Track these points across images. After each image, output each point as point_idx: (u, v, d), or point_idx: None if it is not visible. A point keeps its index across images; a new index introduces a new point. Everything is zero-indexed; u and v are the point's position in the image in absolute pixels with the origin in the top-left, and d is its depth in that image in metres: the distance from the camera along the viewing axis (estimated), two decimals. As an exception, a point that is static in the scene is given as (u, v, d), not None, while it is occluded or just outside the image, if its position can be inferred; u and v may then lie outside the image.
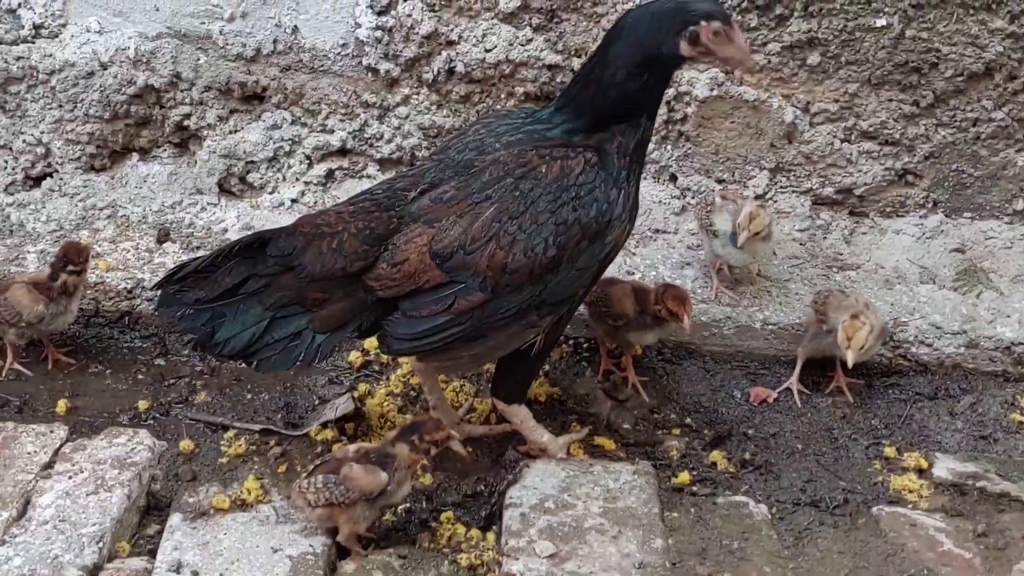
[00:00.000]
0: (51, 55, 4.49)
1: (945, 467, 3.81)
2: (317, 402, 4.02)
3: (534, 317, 3.36)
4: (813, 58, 4.37)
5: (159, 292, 3.43)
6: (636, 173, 3.39)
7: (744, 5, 4.27)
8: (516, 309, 3.30)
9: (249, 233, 3.69)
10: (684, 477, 3.71)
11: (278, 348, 3.34)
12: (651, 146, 4.52)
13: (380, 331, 3.40)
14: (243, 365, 3.50)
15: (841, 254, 4.60)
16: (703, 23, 3.12)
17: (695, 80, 4.44)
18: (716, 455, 3.83)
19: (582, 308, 3.92)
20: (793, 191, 4.65)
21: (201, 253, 4.15)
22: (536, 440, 3.72)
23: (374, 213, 3.35)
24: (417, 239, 3.29)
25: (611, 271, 4.30)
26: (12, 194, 4.67)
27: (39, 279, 3.97)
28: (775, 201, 4.64)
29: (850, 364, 3.88)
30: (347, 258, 3.30)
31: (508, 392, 3.67)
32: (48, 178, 4.70)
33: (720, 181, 4.65)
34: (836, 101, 4.46)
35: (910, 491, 3.71)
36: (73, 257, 3.95)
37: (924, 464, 3.81)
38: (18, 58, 4.49)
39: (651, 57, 3.19)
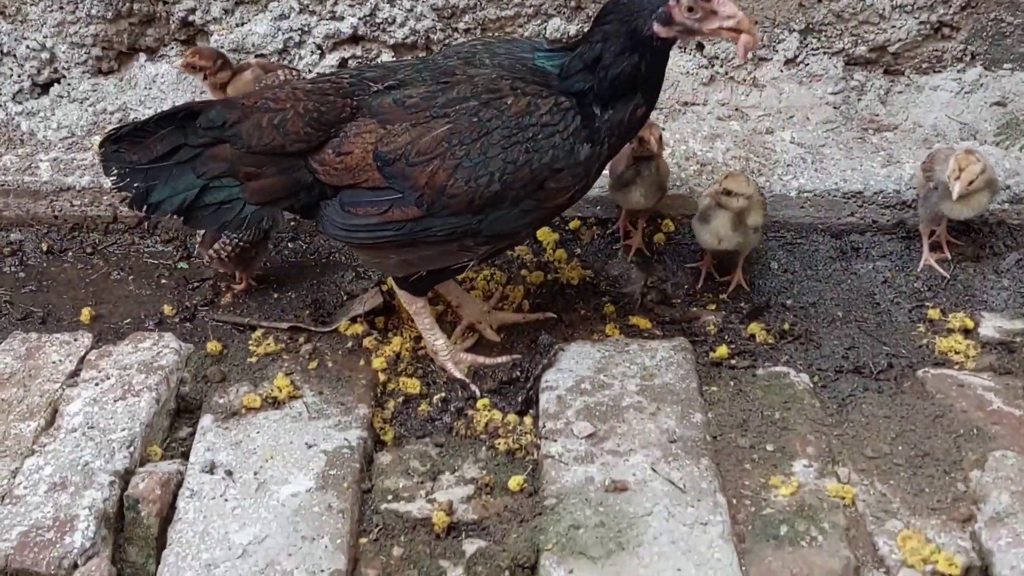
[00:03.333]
0: (47, -47, 4.36)
1: (992, 326, 3.74)
2: (345, 298, 3.96)
3: (469, 243, 3.28)
4: (840, -92, 4.18)
5: (101, 150, 3.49)
6: (614, 143, 3.27)
7: None
8: (451, 232, 3.24)
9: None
10: (722, 351, 3.63)
11: (209, 211, 3.39)
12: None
13: (318, 211, 3.38)
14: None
15: (877, 115, 4.46)
16: (671, 3, 3.02)
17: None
18: (754, 327, 3.75)
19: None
20: (825, 52, 4.47)
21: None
22: (429, 341, 3.63)
23: (329, 96, 3.30)
24: (367, 135, 3.23)
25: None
26: (20, 102, 4.58)
27: None
28: (806, 64, 4.47)
29: (955, 195, 3.68)
30: (287, 136, 3.28)
31: (412, 285, 3.53)
32: (56, 84, 4.60)
33: (747, 46, 4.48)
34: (866, -46, 4.28)
35: (956, 352, 3.64)
36: None
37: (970, 324, 3.73)
38: (14, -42, 4.37)
39: (635, 41, 3.09)
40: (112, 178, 3.44)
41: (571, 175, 3.18)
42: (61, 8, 4.44)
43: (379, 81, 3.32)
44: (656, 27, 3.05)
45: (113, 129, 3.48)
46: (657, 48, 3.13)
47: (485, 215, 3.20)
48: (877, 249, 4.09)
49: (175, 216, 3.44)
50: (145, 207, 3.41)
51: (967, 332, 3.71)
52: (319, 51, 4.53)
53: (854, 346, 3.68)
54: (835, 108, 4.46)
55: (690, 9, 3.02)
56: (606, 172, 3.59)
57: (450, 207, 3.19)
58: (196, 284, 4.06)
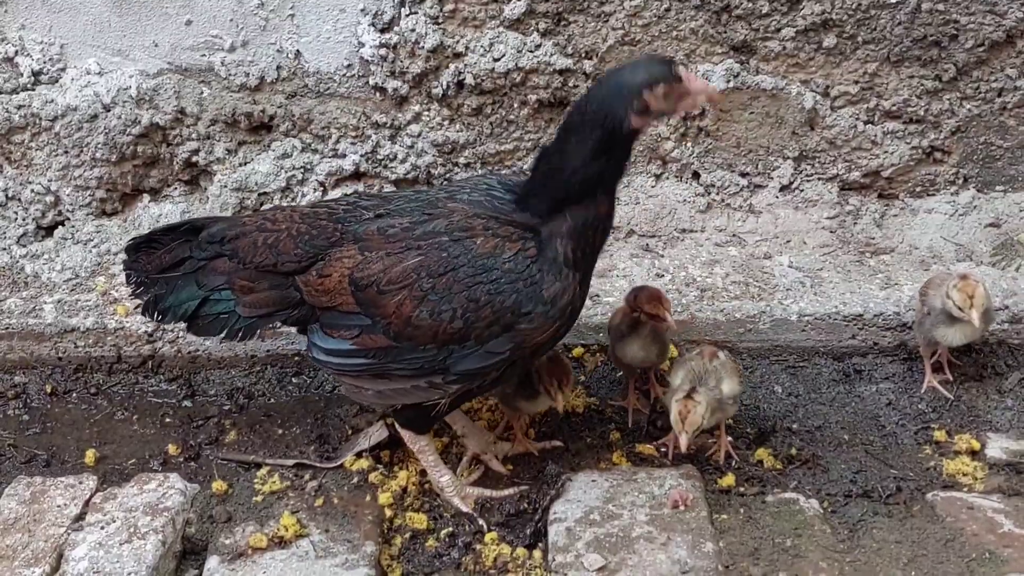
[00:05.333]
0: (52, 101, 4.42)
1: (998, 447, 3.73)
2: (350, 432, 3.95)
3: (438, 379, 3.30)
4: (829, 40, 4.27)
5: (125, 257, 3.79)
6: (589, 253, 3.27)
7: (754, -9, 4.19)
8: (420, 364, 3.28)
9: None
10: (730, 479, 3.62)
11: (209, 319, 3.58)
12: (671, 144, 4.49)
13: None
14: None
15: (873, 238, 4.51)
16: (645, 93, 3.07)
17: (710, 73, 4.35)
18: (761, 452, 3.74)
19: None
20: (819, 178, 4.55)
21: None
22: (434, 478, 3.62)
23: (322, 222, 3.44)
24: (346, 259, 3.33)
25: (643, 273, 4.27)
26: (25, 245, 4.61)
27: None
28: (801, 190, 4.54)
29: (976, 323, 3.70)
30: (279, 256, 3.43)
31: (410, 422, 3.55)
32: (60, 226, 4.64)
33: (744, 174, 4.56)
34: (856, 82, 4.36)
35: (964, 474, 3.63)
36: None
37: (976, 445, 3.72)
38: (19, 107, 4.43)
39: (608, 139, 3.11)
40: (130, 286, 3.75)
41: (543, 316, 3.20)
42: (66, 152, 4.50)
43: (372, 209, 3.43)
44: (633, 119, 3.08)
45: (131, 239, 3.74)
46: (628, 140, 3.17)
47: (450, 351, 3.23)
48: (880, 371, 4.10)
49: (181, 323, 3.65)
50: (156, 314, 3.64)
51: (974, 453, 3.70)
52: (321, 188, 4.59)
53: (862, 470, 3.67)
54: (831, 232, 4.51)
55: (664, 95, 3.07)
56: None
57: (415, 339, 3.23)
58: (200, 422, 4.04)
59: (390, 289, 3.23)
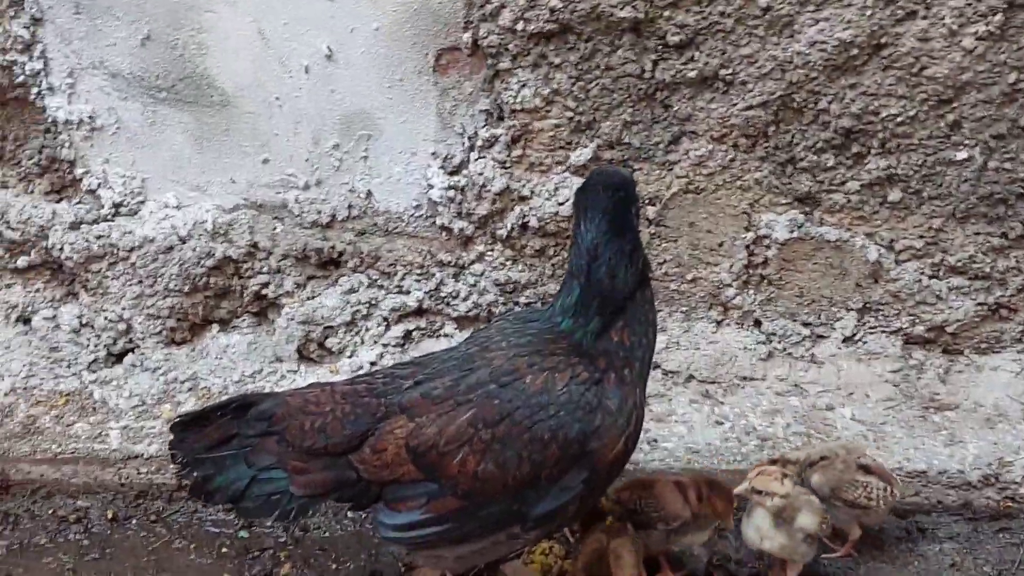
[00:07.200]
0: (131, 232, 4.56)
1: (1064, 615, 3.62)
2: (403, 569, 3.93)
3: (517, 529, 3.25)
4: (894, 195, 4.29)
5: (171, 438, 3.55)
6: (643, 354, 3.28)
7: (819, 145, 4.22)
8: (496, 519, 3.22)
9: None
10: (790, 637, 3.54)
11: (259, 501, 3.39)
12: (732, 291, 4.49)
13: (368, 508, 3.39)
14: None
15: (938, 394, 4.46)
16: None
17: (773, 223, 4.38)
18: (821, 612, 3.66)
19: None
20: (882, 331, 4.53)
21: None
22: None
23: (365, 398, 3.36)
24: (398, 430, 3.26)
25: (702, 420, 4.25)
26: (95, 371, 4.71)
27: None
28: (864, 342, 4.52)
29: None
30: (329, 439, 3.32)
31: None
32: (130, 353, 4.75)
33: (806, 324, 4.55)
34: (921, 237, 4.37)
35: (1029, 644, 3.52)
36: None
37: (1043, 614, 3.62)
38: (98, 237, 4.58)
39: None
40: (176, 466, 3.52)
41: (613, 426, 3.17)
42: (140, 282, 4.62)
43: (410, 377, 3.37)
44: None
45: (179, 416, 3.56)
46: None
47: (525, 498, 3.18)
48: (943, 530, 4.01)
49: (228, 504, 3.47)
50: (203, 495, 3.47)
51: (1040, 622, 3.61)
52: (385, 323, 4.66)
53: (926, 633, 3.59)
54: (895, 386, 4.47)
55: None
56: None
57: (485, 492, 3.17)
58: (256, 553, 4.05)
59: (450, 449, 3.17)
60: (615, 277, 3.19)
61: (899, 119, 4.17)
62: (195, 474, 3.47)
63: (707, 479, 3.65)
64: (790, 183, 4.35)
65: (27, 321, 4.84)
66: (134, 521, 4.23)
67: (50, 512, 4.25)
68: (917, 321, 4.50)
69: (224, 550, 4.09)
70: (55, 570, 3.99)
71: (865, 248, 4.40)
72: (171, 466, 3.54)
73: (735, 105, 4.23)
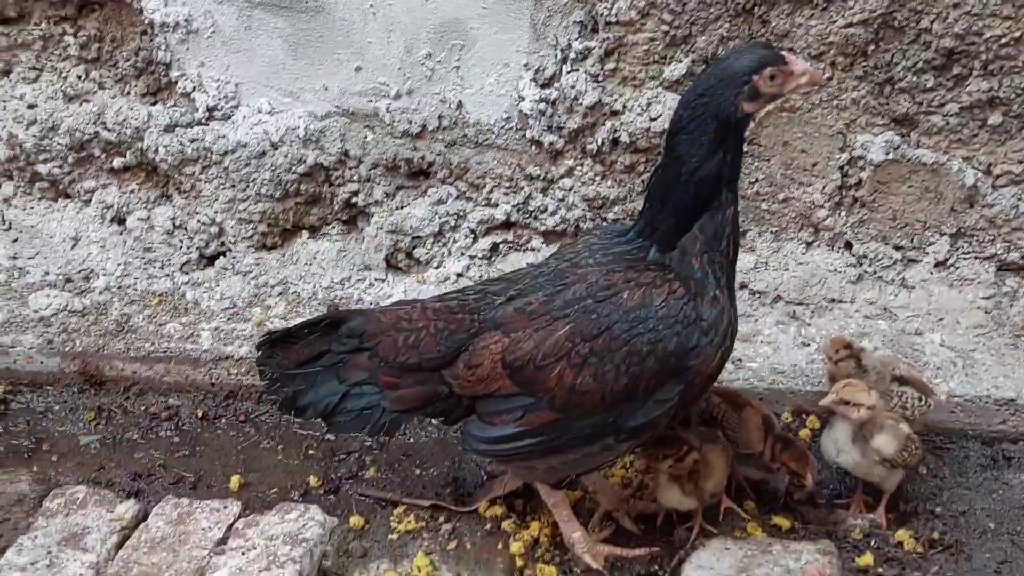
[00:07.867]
0: (224, 136, 4.61)
1: None
2: (485, 477, 3.98)
3: (611, 440, 3.27)
4: (994, 118, 4.20)
5: (258, 354, 3.64)
6: (728, 265, 3.24)
7: (920, 66, 4.13)
8: (590, 431, 3.24)
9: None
10: (868, 558, 3.53)
11: (351, 415, 3.48)
12: (824, 212, 4.44)
13: (458, 423, 3.45)
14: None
15: (1030, 322, 4.40)
16: (755, 77, 3.06)
17: (869, 144, 4.31)
18: (902, 534, 3.64)
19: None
20: (976, 257, 4.45)
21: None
22: (566, 532, 3.58)
23: (458, 315, 3.39)
24: (493, 346, 3.28)
25: (788, 341, 4.23)
26: (187, 273, 4.80)
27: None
28: (957, 268, 4.45)
29: None
30: (422, 355, 3.37)
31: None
32: (221, 256, 4.83)
33: (898, 247, 4.49)
34: (1020, 162, 4.27)
35: (1117, 573, 3.48)
36: None
37: None
38: (192, 140, 4.63)
39: (721, 129, 3.09)
40: (265, 382, 3.60)
41: (708, 346, 3.17)
42: (233, 186, 4.68)
43: (501, 294, 3.39)
44: (745, 105, 3.07)
45: (266, 334, 3.63)
46: (740, 128, 3.15)
47: (621, 410, 3.20)
48: (1030, 459, 3.99)
49: (319, 420, 3.55)
50: (293, 411, 3.55)
51: None
52: (472, 235, 4.68)
53: (1007, 560, 3.55)
54: (986, 313, 4.40)
55: (772, 77, 3.06)
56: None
57: (582, 405, 3.19)
58: (342, 456, 4.12)
59: (547, 363, 3.19)
60: (694, 183, 3.13)
61: (1003, 40, 4.06)
62: (285, 390, 3.55)
63: (784, 436, 3.64)
64: (887, 104, 4.27)
65: (122, 221, 4.93)
66: (223, 420, 4.33)
67: (142, 409, 4.36)
68: (1012, 247, 4.41)
69: (311, 452, 4.17)
70: (146, 464, 4.11)
71: (962, 172, 4.32)
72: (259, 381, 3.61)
73: (834, 22, 4.14)
